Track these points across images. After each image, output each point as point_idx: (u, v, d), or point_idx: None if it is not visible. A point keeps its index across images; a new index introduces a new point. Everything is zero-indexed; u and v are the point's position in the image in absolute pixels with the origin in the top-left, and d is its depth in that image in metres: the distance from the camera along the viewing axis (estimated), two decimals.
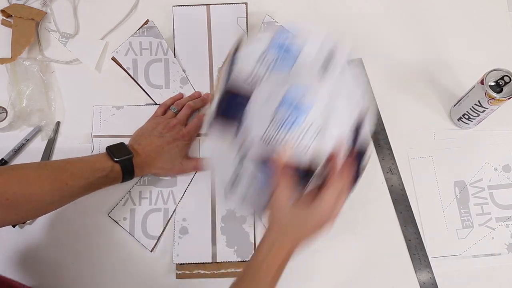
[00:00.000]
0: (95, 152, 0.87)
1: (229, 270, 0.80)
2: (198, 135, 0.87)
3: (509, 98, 0.76)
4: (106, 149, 0.78)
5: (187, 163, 0.84)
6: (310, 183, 0.64)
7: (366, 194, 0.85)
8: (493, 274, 0.80)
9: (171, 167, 0.82)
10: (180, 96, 0.89)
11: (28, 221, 0.83)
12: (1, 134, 0.88)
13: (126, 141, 0.82)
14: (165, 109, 0.87)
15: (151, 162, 0.80)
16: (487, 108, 0.80)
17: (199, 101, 0.88)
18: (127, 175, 0.77)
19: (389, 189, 0.85)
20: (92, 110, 0.89)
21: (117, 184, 0.78)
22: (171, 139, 0.81)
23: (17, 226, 0.82)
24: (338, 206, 0.63)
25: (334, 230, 0.83)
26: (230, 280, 0.79)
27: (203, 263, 0.81)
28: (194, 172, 0.86)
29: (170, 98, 0.89)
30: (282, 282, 0.81)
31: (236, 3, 0.93)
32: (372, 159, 0.87)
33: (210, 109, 0.67)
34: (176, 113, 0.86)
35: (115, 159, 0.76)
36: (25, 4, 0.96)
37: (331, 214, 0.63)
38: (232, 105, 0.65)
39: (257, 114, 0.63)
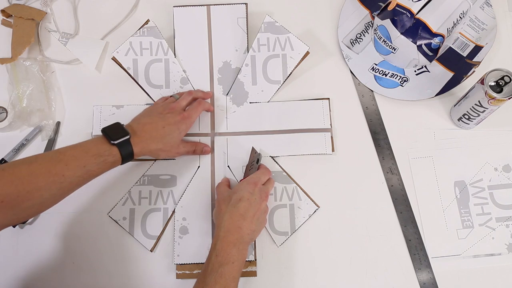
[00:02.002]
0: None
1: None
2: (199, 135, 0.88)
3: (509, 98, 0.76)
4: (102, 131, 0.74)
5: (184, 146, 0.83)
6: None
7: (367, 194, 0.85)
8: (493, 274, 0.80)
9: (169, 148, 0.80)
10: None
11: (28, 221, 0.83)
12: (1, 134, 0.88)
13: None
14: (166, 99, 0.86)
15: (151, 142, 0.77)
16: (487, 108, 0.80)
17: (200, 92, 0.88)
18: (126, 157, 0.74)
19: (389, 189, 0.85)
20: (92, 109, 0.89)
21: (117, 166, 0.75)
22: (172, 121, 0.79)
23: (17, 226, 0.82)
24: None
25: (334, 231, 0.84)
26: None
27: (204, 263, 0.81)
28: (194, 172, 0.86)
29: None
30: (282, 282, 0.81)
31: (236, 4, 0.93)
32: (372, 159, 0.87)
33: None
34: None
35: (112, 141, 0.72)
36: (25, 4, 0.96)
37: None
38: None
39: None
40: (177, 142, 0.81)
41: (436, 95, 0.88)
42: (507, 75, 0.76)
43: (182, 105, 0.83)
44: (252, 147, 0.86)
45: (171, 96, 0.86)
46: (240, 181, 0.81)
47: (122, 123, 0.77)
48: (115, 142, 0.72)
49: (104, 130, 0.74)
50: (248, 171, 0.83)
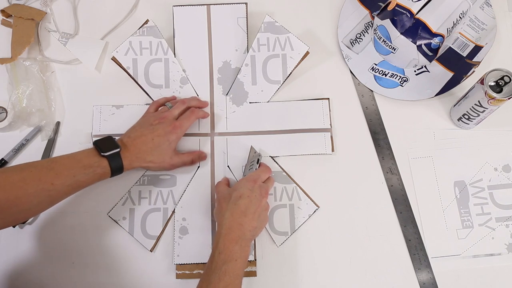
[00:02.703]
0: None
1: None
2: (199, 135, 0.88)
3: (509, 98, 0.76)
4: (94, 143, 0.76)
5: (177, 158, 0.83)
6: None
7: (367, 194, 0.85)
8: (493, 274, 0.80)
9: (161, 161, 0.81)
10: (174, 98, 0.89)
11: (28, 221, 0.83)
12: (1, 134, 0.88)
13: None
14: (157, 106, 0.86)
15: (141, 156, 0.78)
16: (487, 108, 0.80)
17: (195, 100, 0.88)
18: (115, 170, 0.76)
19: (389, 189, 0.85)
20: (92, 110, 0.89)
21: (106, 179, 0.76)
22: (162, 132, 0.80)
23: (17, 226, 0.82)
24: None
25: (334, 231, 0.84)
26: None
27: (203, 263, 0.81)
28: (194, 172, 0.86)
29: (163, 97, 0.88)
30: (282, 282, 0.81)
31: (236, 3, 0.93)
32: (372, 159, 0.87)
33: None
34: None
35: (102, 154, 0.74)
36: (25, 4, 0.96)
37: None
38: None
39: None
40: (168, 154, 0.81)
41: (436, 95, 0.88)
42: (507, 75, 0.76)
43: (174, 114, 0.83)
44: (251, 146, 0.86)
45: (164, 105, 0.86)
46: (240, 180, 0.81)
47: (114, 137, 0.78)
48: (105, 154, 0.74)
49: (95, 143, 0.76)
50: (248, 170, 0.83)
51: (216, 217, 0.78)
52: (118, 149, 0.76)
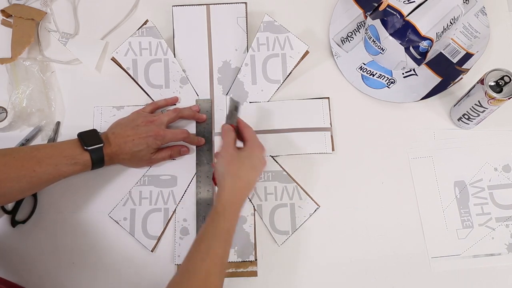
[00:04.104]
0: None
1: (229, 270, 0.80)
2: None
3: (509, 98, 0.76)
4: (78, 135, 0.78)
5: (157, 155, 0.83)
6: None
7: (367, 194, 0.85)
8: (493, 274, 0.81)
9: (138, 160, 0.82)
10: (175, 99, 0.89)
11: (22, 221, 0.83)
12: (1, 134, 0.89)
13: None
14: (154, 108, 0.87)
15: (120, 155, 0.79)
16: (487, 108, 0.80)
17: (190, 110, 0.87)
18: (96, 164, 0.77)
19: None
20: (93, 111, 0.89)
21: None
22: (144, 134, 0.80)
23: (17, 226, 0.82)
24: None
25: (334, 230, 0.84)
26: (230, 280, 0.80)
27: None
28: (195, 173, 0.86)
29: (164, 99, 0.89)
30: (282, 282, 0.81)
31: (236, 3, 0.93)
32: (372, 158, 0.87)
33: None
34: None
35: (85, 147, 0.76)
36: (25, 4, 0.96)
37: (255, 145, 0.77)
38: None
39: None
40: (146, 156, 0.81)
41: (422, 99, 0.88)
42: (507, 75, 0.76)
43: (163, 121, 0.82)
44: (230, 97, 0.84)
45: (161, 110, 0.87)
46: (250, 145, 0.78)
47: (98, 131, 0.80)
48: (88, 148, 0.76)
49: (80, 135, 0.78)
50: (228, 119, 0.81)
51: (222, 177, 0.74)
52: (101, 144, 0.77)
